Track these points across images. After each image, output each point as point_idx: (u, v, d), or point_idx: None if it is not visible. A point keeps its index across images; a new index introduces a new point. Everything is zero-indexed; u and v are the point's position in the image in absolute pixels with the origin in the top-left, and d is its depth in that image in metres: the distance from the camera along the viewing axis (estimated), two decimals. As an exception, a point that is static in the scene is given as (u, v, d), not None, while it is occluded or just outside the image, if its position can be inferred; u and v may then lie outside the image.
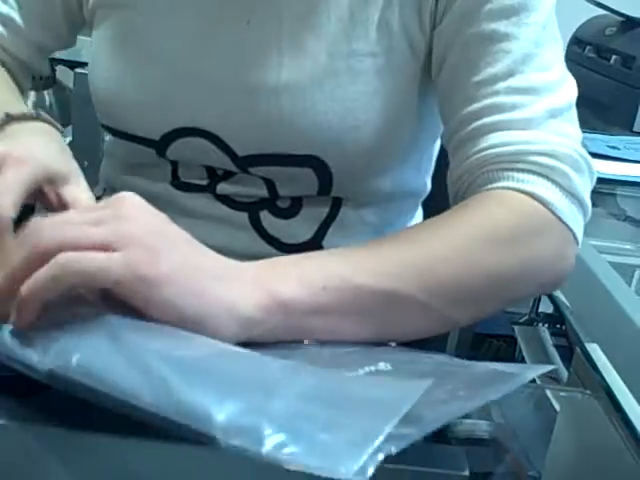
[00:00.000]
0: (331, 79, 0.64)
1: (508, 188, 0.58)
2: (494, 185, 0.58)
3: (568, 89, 0.63)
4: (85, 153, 1.46)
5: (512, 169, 0.58)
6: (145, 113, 0.68)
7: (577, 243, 0.60)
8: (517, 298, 0.59)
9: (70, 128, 1.33)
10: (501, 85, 0.60)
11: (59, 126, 0.63)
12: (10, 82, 0.73)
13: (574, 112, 0.63)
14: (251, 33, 0.65)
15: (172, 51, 0.66)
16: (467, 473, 0.41)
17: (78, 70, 1.30)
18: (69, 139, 1.59)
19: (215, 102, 0.65)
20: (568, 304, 0.74)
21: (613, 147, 1.14)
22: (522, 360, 0.98)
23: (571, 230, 0.58)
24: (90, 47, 0.72)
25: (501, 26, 0.61)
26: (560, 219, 0.57)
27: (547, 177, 0.58)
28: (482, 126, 0.60)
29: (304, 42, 0.64)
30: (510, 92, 0.60)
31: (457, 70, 0.62)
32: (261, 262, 0.50)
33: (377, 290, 0.50)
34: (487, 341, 1.32)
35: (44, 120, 0.61)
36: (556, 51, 0.63)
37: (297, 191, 0.69)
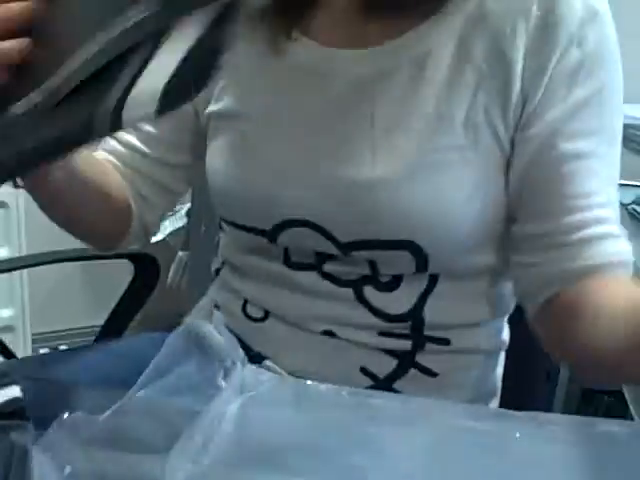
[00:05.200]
0: (421, 172, 0.69)
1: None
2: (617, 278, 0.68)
3: None
4: (204, 218, 1.54)
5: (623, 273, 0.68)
6: (255, 209, 0.75)
7: None
8: None
9: (189, 195, 1.42)
10: (596, 200, 0.68)
11: None
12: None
13: None
14: (347, 135, 0.71)
15: (279, 156, 0.74)
16: None
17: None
18: (188, 205, 1.68)
19: (318, 198, 0.72)
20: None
21: None
22: (632, 418, 0.97)
23: None
24: (207, 152, 0.80)
25: (585, 146, 0.68)
26: None
27: None
28: (592, 234, 0.68)
29: (395, 140, 0.69)
30: (605, 206, 0.69)
31: (549, 180, 0.69)
32: None
33: None
34: (597, 397, 1.30)
35: None
36: None
37: (396, 270, 0.74)
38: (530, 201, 0.70)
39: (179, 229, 1.81)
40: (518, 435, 0.52)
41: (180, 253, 1.74)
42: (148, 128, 0.82)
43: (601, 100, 0.69)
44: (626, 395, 0.99)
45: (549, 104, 0.68)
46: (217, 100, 0.79)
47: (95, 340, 1.23)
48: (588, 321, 0.66)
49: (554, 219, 0.69)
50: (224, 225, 0.82)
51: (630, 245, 0.70)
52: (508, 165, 0.71)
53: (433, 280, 0.74)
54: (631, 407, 0.94)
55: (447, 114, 0.69)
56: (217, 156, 0.78)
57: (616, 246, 0.69)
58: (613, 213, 0.70)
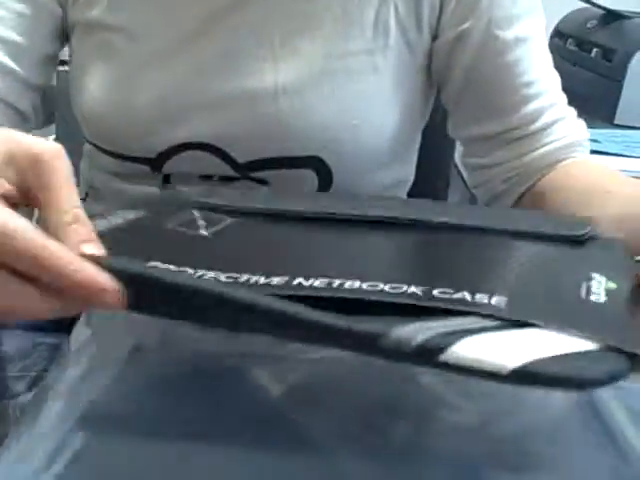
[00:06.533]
0: (328, 79, 0.65)
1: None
2: (577, 159, 0.69)
3: None
4: (69, 152, 1.45)
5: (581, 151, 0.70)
6: (140, 136, 0.67)
7: None
8: None
9: (53, 127, 1.33)
10: (544, 84, 0.69)
11: None
12: None
13: None
14: (244, 42, 0.65)
15: (163, 76, 0.66)
16: None
17: (61, 68, 1.29)
18: (52, 137, 1.59)
19: (213, 115, 0.66)
20: None
21: (594, 140, 1.14)
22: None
23: None
24: (71, 65, 0.71)
25: (522, 30, 0.67)
26: None
27: None
28: (548, 120, 0.69)
29: (299, 45, 0.65)
30: (552, 88, 0.70)
31: (497, 74, 0.68)
32: None
33: None
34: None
35: None
36: None
37: (295, 190, 0.69)
38: (480, 101, 0.69)
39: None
40: None
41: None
42: (16, 38, 0.68)
43: None
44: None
45: None
46: (89, 3, 0.68)
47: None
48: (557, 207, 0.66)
49: (510, 113, 0.68)
50: (92, 151, 0.75)
51: (582, 122, 0.72)
52: (441, 72, 0.69)
53: None
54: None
55: (356, 15, 0.65)
56: (89, 78, 0.68)
57: (571, 126, 0.70)
58: (560, 94, 0.70)
